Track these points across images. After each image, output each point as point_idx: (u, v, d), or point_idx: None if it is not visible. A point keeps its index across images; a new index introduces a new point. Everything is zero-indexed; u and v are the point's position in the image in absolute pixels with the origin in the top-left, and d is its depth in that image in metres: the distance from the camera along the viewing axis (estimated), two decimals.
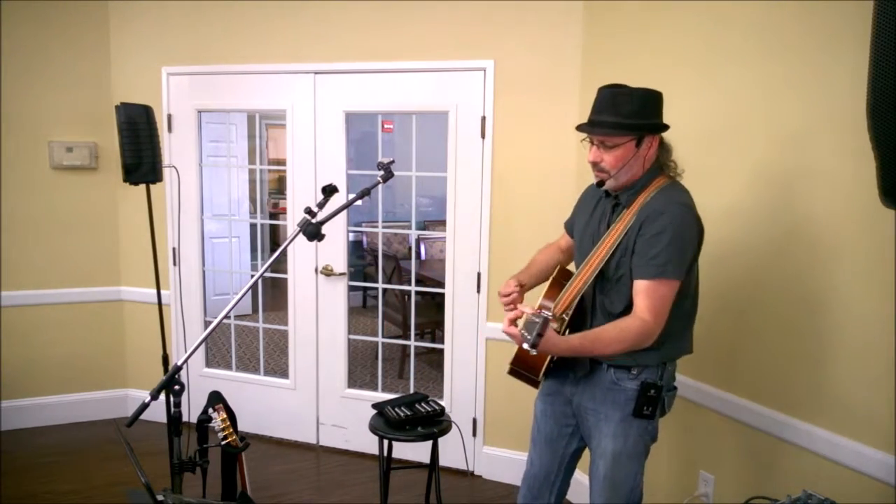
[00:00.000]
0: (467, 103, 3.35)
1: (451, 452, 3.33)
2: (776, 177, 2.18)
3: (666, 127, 1.93)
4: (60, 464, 3.55)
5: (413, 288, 4.12)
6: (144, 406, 1.72)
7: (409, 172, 3.59)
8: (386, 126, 6.31)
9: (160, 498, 1.40)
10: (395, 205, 6.89)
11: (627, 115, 1.85)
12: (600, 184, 1.96)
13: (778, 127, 2.16)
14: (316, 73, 3.59)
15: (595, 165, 1.93)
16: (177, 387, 1.82)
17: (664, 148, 1.97)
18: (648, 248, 1.83)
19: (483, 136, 3.33)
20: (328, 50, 3.55)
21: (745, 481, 2.32)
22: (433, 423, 2.74)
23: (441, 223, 3.88)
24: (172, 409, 1.87)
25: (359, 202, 2.09)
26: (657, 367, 1.95)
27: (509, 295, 2.11)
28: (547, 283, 2.13)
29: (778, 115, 2.16)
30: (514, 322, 1.80)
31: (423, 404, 2.81)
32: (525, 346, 1.63)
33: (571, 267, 2.21)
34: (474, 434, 3.52)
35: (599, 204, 2.06)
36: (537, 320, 1.62)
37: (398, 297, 5.03)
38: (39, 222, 3.90)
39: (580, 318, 2.02)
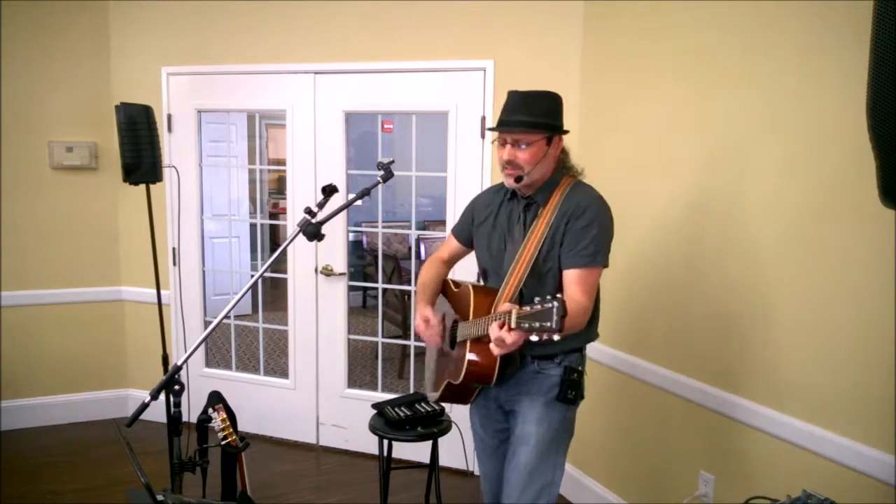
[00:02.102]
0: (467, 103, 3.35)
1: (451, 452, 3.33)
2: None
3: (567, 130, 2.04)
4: (60, 464, 3.56)
5: (413, 288, 4.12)
6: (144, 406, 1.72)
7: (409, 172, 3.59)
8: (386, 126, 6.30)
9: (160, 498, 1.40)
10: (395, 205, 6.88)
11: (539, 114, 1.96)
12: (518, 179, 1.99)
13: (770, 123, 2.17)
14: (316, 73, 3.59)
15: (510, 164, 1.98)
16: (177, 387, 1.82)
17: (564, 150, 2.08)
18: (578, 239, 1.94)
19: (483, 136, 3.33)
20: (328, 50, 3.55)
21: (745, 481, 2.32)
22: (433, 423, 2.74)
23: (441, 223, 3.88)
24: (172, 409, 1.87)
25: (359, 202, 2.09)
26: (577, 354, 2.07)
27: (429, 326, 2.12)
28: (472, 302, 2.07)
29: (772, 112, 2.16)
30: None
31: (423, 404, 2.81)
32: (545, 336, 1.59)
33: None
34: None
35: (503, 206, 2.13)
36: (548, 305, 1.59)
37: (398, 297, 5.03)
38: (39, 222, 3.90)
39: None
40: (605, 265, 1.98)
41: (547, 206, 2.01)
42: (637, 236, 2.76)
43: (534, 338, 1.61)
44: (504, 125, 1.99)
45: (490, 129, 2.07)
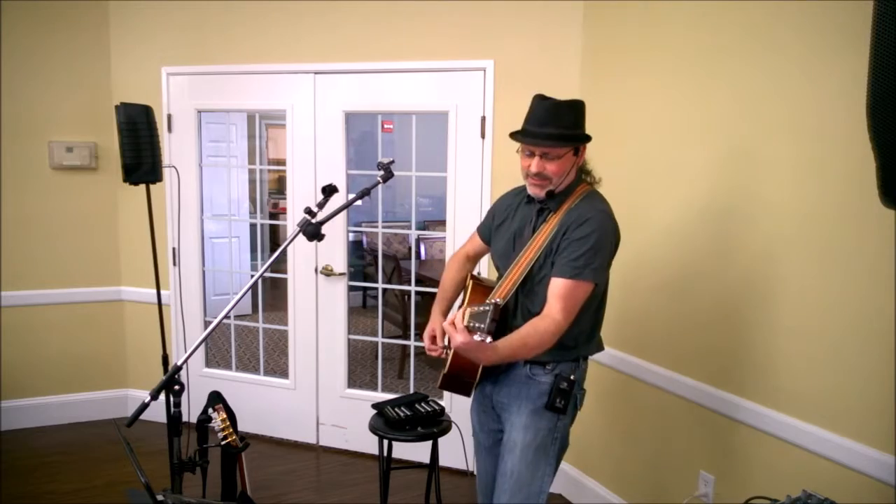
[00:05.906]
0: (467, 103, 3.35)
1: (451, 452, 3.33)
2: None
3: (590, 137, 2.03)
4: (60, 464, 3.55)
5: (413, 288, 4.12)
6: (144, 406, 1.72)
7: (409, 172, 3.59)
8: (386, 126, 6.30)
9: (160, 498, 1.40)
10: (395, 205, 6.89)
11: (568, 125, 1.95)
12: (550, 193, 1.99)
13: (773, 124, 2.17)
14: (316, 73, 3.59)
15: (539, 175, 1.97)
16: (177, 387, 1.83)
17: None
18: (571, 250, 1.91)
19: (483, 136, 3.33)
20: (328, 50, 3.55)
21: (745, 481, 2.32)
22: (433, 423, 2.74)
23: (441, 223, 3.88)
24: (172, 409, 1.88)
25: (359, 202, 2.10)
26: (571, 363, 2.03)
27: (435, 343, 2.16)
28: (468, 297, 2.12)
29: (776, 112, 2.16)
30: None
31: (423, 404, 2.81)
32: (478, 337, 1.62)
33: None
34: None
35: (520, 209, 2.14)
36: (487, 308, 1.63)
37: (398, 297, 5.03)
38: (39, 222, 3.90)
39: (501, 318, 2.04)
40: (594, 281, 1.92)
41: (556, 213, 2.00)
42: (639, 237, 2.76)
43: (477, 338, 1.64)
44: (534, 137, 1.95)
45: (520, 140, 2.00)
